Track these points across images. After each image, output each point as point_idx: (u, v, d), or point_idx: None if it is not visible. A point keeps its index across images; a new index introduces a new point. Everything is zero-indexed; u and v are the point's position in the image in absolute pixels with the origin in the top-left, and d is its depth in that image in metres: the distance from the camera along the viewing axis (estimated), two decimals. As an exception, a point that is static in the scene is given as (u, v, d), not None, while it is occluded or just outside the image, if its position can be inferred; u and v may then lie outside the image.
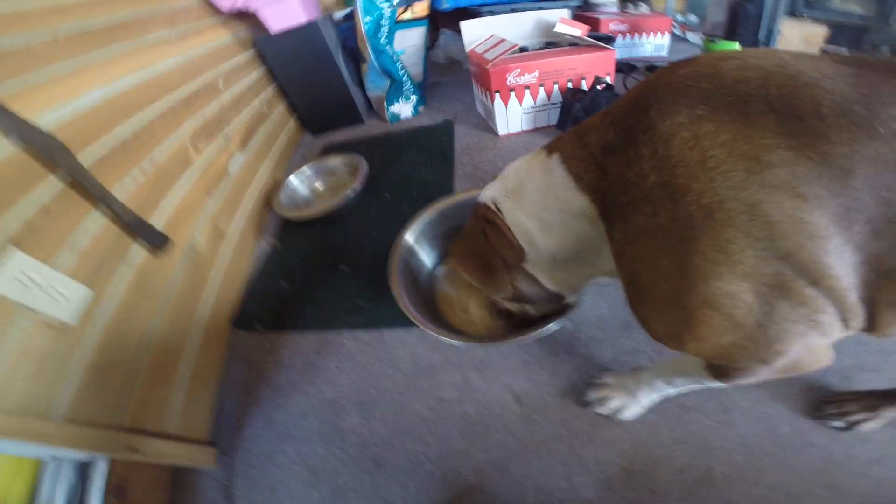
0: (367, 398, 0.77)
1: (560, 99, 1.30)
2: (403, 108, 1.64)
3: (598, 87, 1.21)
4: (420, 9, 1.49)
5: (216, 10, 1.32)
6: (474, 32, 1.43)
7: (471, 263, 0.60)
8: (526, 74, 1.23)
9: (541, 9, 1.49)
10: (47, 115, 0.66)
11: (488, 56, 1.23)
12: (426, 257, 0.91)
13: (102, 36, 0.85)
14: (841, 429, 0.58)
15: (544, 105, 1.33)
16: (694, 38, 2.09)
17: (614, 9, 1.99)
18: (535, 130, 1.40)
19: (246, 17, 1.42)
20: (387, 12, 1.41)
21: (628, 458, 0.62)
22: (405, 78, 1.55)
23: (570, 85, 1.29)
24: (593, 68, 1.27)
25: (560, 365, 0.75)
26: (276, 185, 1.29)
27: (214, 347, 0.87)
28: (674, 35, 2.05)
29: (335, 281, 0.98)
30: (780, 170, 0.30)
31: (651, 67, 1.67)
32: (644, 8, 2.05)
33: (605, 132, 0.43)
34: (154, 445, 0.63)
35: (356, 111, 1.64)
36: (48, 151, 0.62)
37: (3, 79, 0.62)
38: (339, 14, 1.62)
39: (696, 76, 0.36)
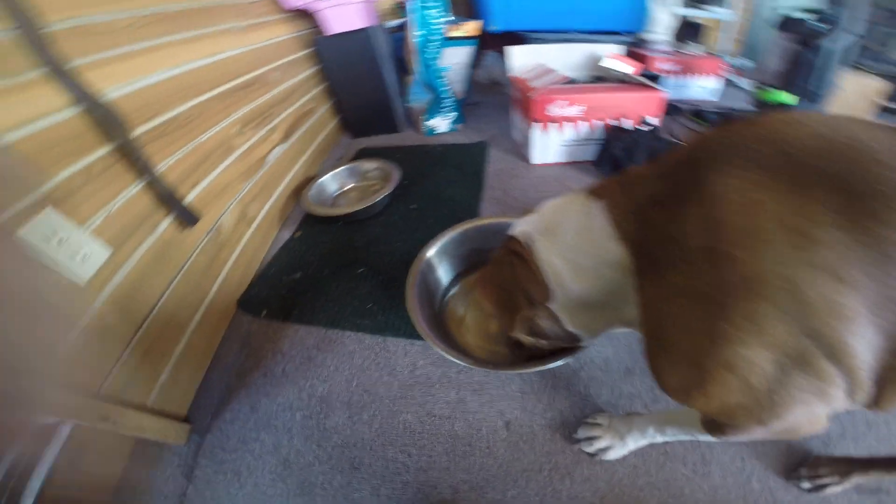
0: (358, 400, 0.77)
1: (601, 135, 1.30)
2: (440, 123, 1.68)
3: (643, 127, 1.21)
4: (471, 28, 1.52)
5: (280, 7, 1.39)
6: (520, 58, 1.45)
7: (493, 294, 0.61)
8: (571, 106, 1.23)
9: (592, 41, 1.51)
10: (115, 89, 0.71)
11: (534, 84, 1.25)
12: (443, 274, 0.91)
13: (179, 20, 0.91)
14: (808, 490, 0.59)
15: (584, 139, 1.33)
16: (745, 83, 2.05)
17: (666, 46, 1.97)
18: (570, 164, 1.39)
19: (307, 17, 1.48)
20: (439, 28, 1.46)
21: (601, 497, 0.62)
22: (447, 94, 1.58)
23: (612, 123, 1.28)
24: (640, 108, 1.26)
25: (556, 399, 0.74)
26: (309, 179, 1.34)
27: (215, 325, 0.89)
28: (725, 79, 2.02)
29: (350, 281, 0.99)
30: (827, 250, 0.30)
31: (697, 112, 1.65)
32: (696, 48, 2.02)
33: (654, 184, 0.43)
34: (128, 416, 0.61)
35: (394, 119, 1.69)
36: (106, 123, 0.67)
37: (83, 51, 0.67)
38: (392, 23, 1.67)
39: (756, 138, 0.36)
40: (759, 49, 2.19)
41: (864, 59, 1.64)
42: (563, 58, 1.46)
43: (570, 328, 0.58)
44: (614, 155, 1.21)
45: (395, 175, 1.26)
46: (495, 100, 1.96)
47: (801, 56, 1.25)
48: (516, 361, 0.75)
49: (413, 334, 0.85)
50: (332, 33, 1.46)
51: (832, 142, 0.33)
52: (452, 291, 0.92)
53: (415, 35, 1.43)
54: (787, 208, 0.32)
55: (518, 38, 1.59)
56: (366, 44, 1.46)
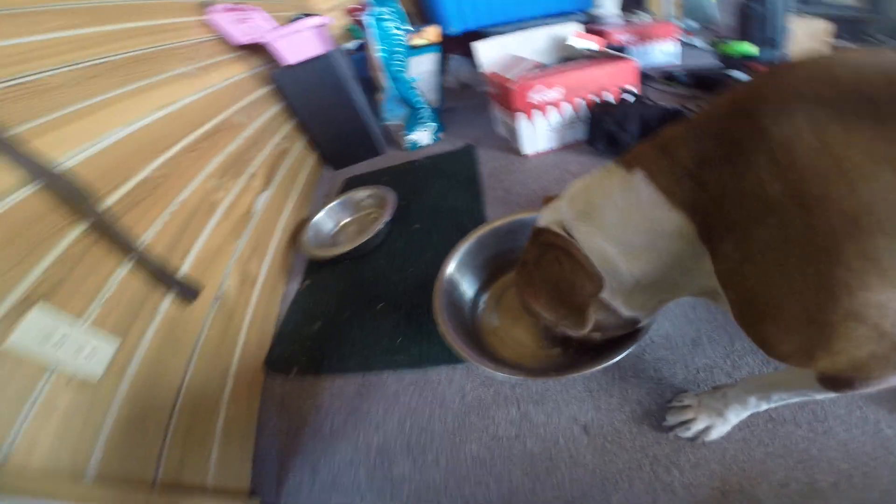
0: (417, 442, 0.70)
1: (586, 113, 1.28)
2: (422, 136, 1.64)
3: (627, 98, 1.18)
4: (431, 34, 1.50)
5: (228, 45, 1.32)
6: (489, 53, 1.43)
7: (547, 298, 0.55)
8: (549, 91, 1.21)
9: (548, 24, 1.49)
10: (69, 157, 0.63)
11: (508, 75, 1.22)
12: (468, 287, 0.86)
13: (122, 71, 0.84)
14: None
15: (570, 121, 1.30)
16: (699, 42, 2.08)
17: (617, 20, 2.00)
18: (564, 148, 1.36)
19: (261, 51, 1.43)
20: (400, 39, 1.43)
21: (720, 479, 0.56)
22: (423, 104, 1.55)
23: (596, 99, 1.26)
24: (617, 80, 1.24)
25: (629, 390, 0.68)
26: (302, 222, 1.28)
27: (248, 393, 0.82)
28: (680, 42, 2.04)
29: (371, 319, 0.93)
30: None
31: (668, 76, 1.64)
32: (645, 16, 2.05)
33: (699, 143, 0.40)
34: (193, 501, 0.59)
35: (374, 142, 1.65)
36: (71, 198, 0.60)
37: (23, 116, 0.59)
38: (349, 46, 1.64)
39: (809, 80, 0.34)
40: (699, 9, 2.23)
41: (802, 3, 1.70)
42: (529, 45, 1.45)
43: (626, 313, 0.54)
44: (607, 129, 1.18)
45: (391, 198, 1.20)
46: (470, 102, 1.94)
47: (750, 7, 1.26)
48: (568, 360, 0.70)
49: (451, 359, 0.79)
50: (288, 64, 1.41)
51: (887, 71, 0.31)
52: (482, 304, 0.86)
53: (377, 50, 1.39)
54: (872, 139, 0.30)
55: (477, 36, 1.58)
56: (327, 70, 1.42)
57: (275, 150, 1.35)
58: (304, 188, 1.49)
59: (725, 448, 0.59)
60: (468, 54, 1.98)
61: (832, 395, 0.44)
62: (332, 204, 1.30)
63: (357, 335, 0.91)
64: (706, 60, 1.77)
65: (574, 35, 1.30)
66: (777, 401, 0.53)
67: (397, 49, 1.43)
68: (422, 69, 1.57)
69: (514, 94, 1.19)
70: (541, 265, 0.55)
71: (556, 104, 1.24)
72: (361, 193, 1.32)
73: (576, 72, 1.21)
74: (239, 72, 1.34)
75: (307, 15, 1.49)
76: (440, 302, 0.76)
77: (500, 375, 0.64)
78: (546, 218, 0.55)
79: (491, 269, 0.89)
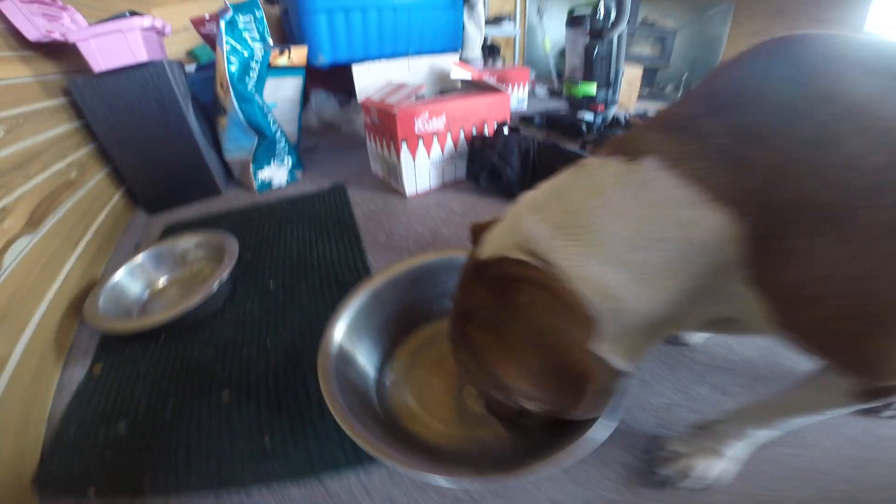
0: None
1: (466, 149, 1.22)
2: (276, 174, 1.36)
3: (504, 132, 1.16)
4: (297, 55, 1.30)
5: (22, 40, 0.96)
6: (366, 79, 1.30)
7: (528, 366, 0.36)
8: (434, 119, 1.12)
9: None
10: None
11: (390, 101, 1.09)
12: (367, 359, 0.63)
13: None
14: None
15: (451, 156, 1.22)
16: (540, 89, 2.38)
17: (480, 63, 2.16)
18: (445, 187, 1.27)
19: (65, 56, 1.08)
20: (258, 54, 1.18)
21: None
22: (279, 135, 1.29)
23: (475, 133, 1.21)
24: (493, 112, 1.24)
25: (602, 452, 0.53)
26: (94, 283, 0.87)
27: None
28: (529, 87, 2.28)
29: (214, 413, 0.61)
30: None
31: (525, 118, 1.82)
32: (500, 63, 2.25)
33: (733, 116, 0.30)
34: None
35: (211, 180, 1.30)
36: None
37: None
38: (189, 68, 1.33)
39: (844, 45, 0.30)
40: (538, 60, 2.55)
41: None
42: (409, 74, 1.36)
43: (618, 364, 0.37)
44: (490, 163, 1.13)
45: (230, 248, 0.89)
46: (335, 142, 1.74)
47: (595, 48, 1.43)
48: (520, 438, 0.53)
49: (361, 458, 0.54)
50: (100, 71, 1.04)
51: None
52: (388, 379, 0.64)
53: (228, 63, 1.12)
54: None
55: (346, 70, 1.44)
56: (155, 84, 1.08)
57: (53, 181, 0.92)
58: (100, 236, 1.05)
59: (730, 486, 0.50)
60: (336, 89, 1.84)
61: (858, 407, 0.37)
62: (140, 258, 0.92)
63: (194, 438, 0.58)
64: (551, 105, 1.96)
65: (455, 64, 1.27)
66: (782, 428, 0.45)
67: (252, 65, 1.17)
68: (281, 95, 1.33)
69: (399, 122, 1.06)
70: (503, 315, 0.37)
71: (440, 135, 1.16)
72: (186, 242, 0.97)
73: (460, 100, 1.16)
74: (20, 75, 0.94)
75: (134, 13, 1.13)
76: (327, 384, 0.51)
77: (445, 481, 0.42)
78: (495, 244, 0.39)
79: (393, 331, 0.68)
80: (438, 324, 0.71)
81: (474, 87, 1.28)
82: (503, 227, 0.40)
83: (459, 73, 1.26)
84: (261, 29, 1.20)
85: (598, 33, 1.38)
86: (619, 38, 1.41)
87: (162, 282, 0.93)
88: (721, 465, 0.49)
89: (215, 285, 0.77)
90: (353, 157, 1.53)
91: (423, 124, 1.10)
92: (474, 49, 2.04)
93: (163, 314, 0.73)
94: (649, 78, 2.41)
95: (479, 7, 1.88)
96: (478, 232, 0.50)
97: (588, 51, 1.43)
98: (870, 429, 0.54)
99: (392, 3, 1.50)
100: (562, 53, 2.74)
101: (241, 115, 1.17)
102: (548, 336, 0.34)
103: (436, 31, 1.67)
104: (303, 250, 1.01)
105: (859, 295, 0.27)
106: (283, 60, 1.27)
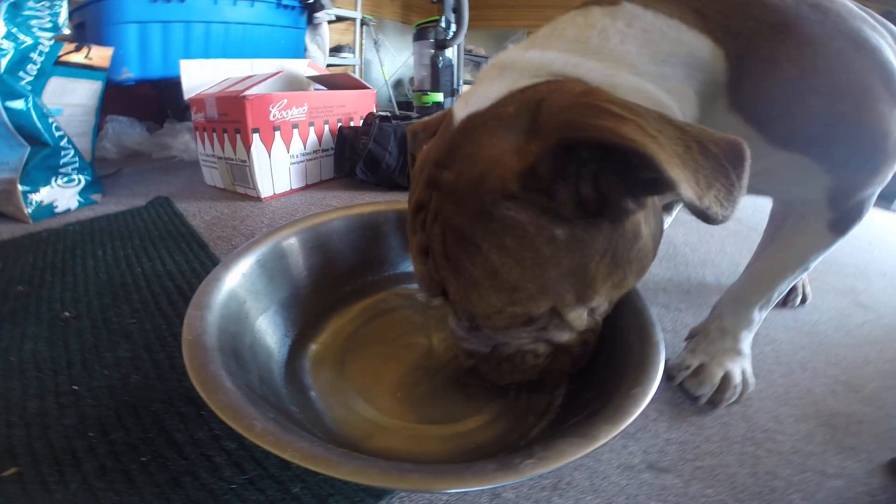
0: None
1: (333, 146, 1.08)
2: (61, 196, 0.97)
3: (375, 121, 1.07)
4: (99, 56, 0.99)
5: None
6: (197, 78, 1.07)
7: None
8: (294, 108, 0.95)
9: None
10: None
11: (236, 89, 0.90)
12: (274, 338, 0.42)
13: None
14: None
15: (316, 152, 1.06)
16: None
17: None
18: (308, 188, 1.09)
19: None
20: (45, 44, 0.87)
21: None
22: (65, 144, 0.94)
23: (342, 126, 1.09)
24: (360, 106, 1.15)
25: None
26: None
27: None
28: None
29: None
30: None
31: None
32: None
33: None
34: None
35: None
36: None
37: None
38: None
39: None
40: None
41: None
42: (249, 73, 1.17)
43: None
44: (367, 150, 1.01)
45: None
46: (146, 166, 1.37)
47: (440, 58, 1.50)
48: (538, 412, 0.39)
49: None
50: None
51: None
52: (313, 380, 0.42)
53: None
54: None
55: (164, 84, 1.19)
56: None
57: None
58: None
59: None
60: (142, 116, 1.53)
61: (836, 244, 0.40)
62: None
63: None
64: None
65: (308, 65, 1.16)
66: (777, 298, 0.45)
67: (34, 57, 0.86)
68: (71, 100, 0.98)
69: (249, 107, 0.87)
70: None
71: (301, 126, 0.99)
72: None
73: (321, 92, 1.04)
74: None
75: None
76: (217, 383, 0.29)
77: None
78: (488, 94, 0.29)
79: (306, 310, 0.48)
80: (377, 298, 0.55)
81: (337, 86, 1.18)
82: (486, 79, 0.31)
83: (314, 72, 1.15)
84: (55, 15, 0.89)
85: (443, 43, 1.46)
86: (459, 49, 1.51)
87: None
88: (746, 363, 0.46)
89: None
90: (177, 176, 1.22)
91: (279, 111, 0.93)
92: (319, 59, 1.95)
93: None
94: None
95: (324, 28, 1.82)
96: (418, 130, 0.41)
97: (434, 61, 1.49)
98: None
99: (223, 17, 1.32)
100: (397, 84, 2.89)
101: (4, 116, 0.81)
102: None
103: (274, 49, 1.54)
104: (114, 270, 0.70)
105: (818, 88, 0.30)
106: (78, 57, 0.95)
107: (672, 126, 0.22)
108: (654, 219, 0.32)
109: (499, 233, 0.26)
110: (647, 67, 0.30)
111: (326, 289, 0.51)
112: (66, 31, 0.96)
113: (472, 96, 0.30)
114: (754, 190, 0.42)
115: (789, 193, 0.41)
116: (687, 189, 0.19)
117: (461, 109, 0.30)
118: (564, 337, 0.34)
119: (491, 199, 0.26)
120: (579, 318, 0.32)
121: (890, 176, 0.35)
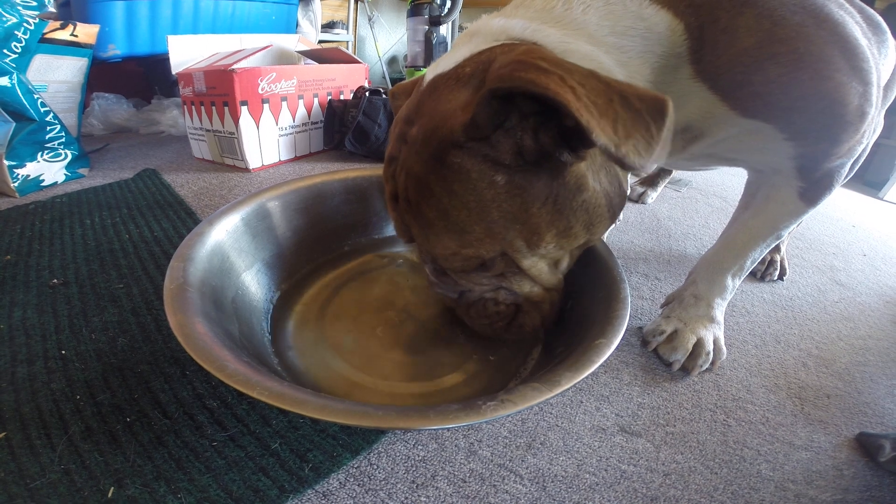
0: None
1: (322, 119, 1.07)
2: (48, 170, 0.96)
3: (366, 94, 1.06)
4: (85, 33, 0.97)
5: None
6: (185, 53, 1.05)
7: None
8: (284, 81, 0.94)
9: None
10: None
11: (225, 62, 0.89)
12: (258, 296, 0.43)
13: None
14: None
15: (304, 125, 1.05)
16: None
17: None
18: (297, 160, 1.08)
19: None
20: (30, 22, 0.86)
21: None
22: (51, 119, 0.93)
23: (332, 100, 1.08)
24: (350, 80, 1.13)
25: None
26: None
27: None
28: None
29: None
30: None
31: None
32: None
33: None
34: None
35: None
36: None
37: None
38: None
39: None
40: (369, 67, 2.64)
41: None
42: (238, 48, 1.15)
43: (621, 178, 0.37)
44: (356, 122, 1.01)
45: None
46: (134, 141, 1.35)
47: (434, 35, 1.50)
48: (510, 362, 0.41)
49: (300, 479, 0.34)
50: None
51: None
52: (293, 339, 0.44)
53: None
54: None
55: (151, 61, 1.16)
56: None
57: None
58: None
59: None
60: (129, 93, 1.50)
61: (807, 213, 0.41)
62: None
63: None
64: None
65: (299, 41, 1.13)
66: (750, 266, 0.45)
67: (18, 35, 0.85)
68: (56, 77, 0.97)
69: (238, 80, 0.86)
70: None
71: (290, 99, 0.98)
72: None
73: (311, 66, 1.02)
74: None
75: None
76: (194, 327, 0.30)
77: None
78: (455, 56, 0.32)
79: (289, 268, 0.50)
80: (361, 260, 0.56)
81: (328, 61, 1.16)
82: (458, 44, 0.34)
83: (302, 48, 1.13)
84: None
85: (437, 20, 1.44)
86: (453, 25, 1.49)
87: None
88: (718, 331, 0.47)
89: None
90: (164, 150, 1.20)
91: (268, 84, 0.91)
92: (310, 34, 1.92)
93: None
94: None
95: (316, 3, 1.78)
96: (398, 92, 0.43)
97: (427, 37, 1.47)
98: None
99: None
100: (392, 61, 2.84)
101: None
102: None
103: (265, 25, 1.50)
104: (102, 237, 0.71)
105: (776, 57, 0.30)
106: (64, 34, 0.94)
107: (598, 81, 0.23)
108: (606, 177, 0.33)
109: (448, 178, 0.29)
110: (607, 38, 0.31)
111: (311, 250, 0.52)
112: (52, 9, 0.95)
113: (442, 60, 0.33)
114: (726, 159, 0.43)
115: (758, 162, 0.42)
116: (601, 135, 0.21)
117: (431, 72, 0.33)
118: (525, 288, 0.36)
119: (442, 149, 0.28)
120: (535, 266, 0.34)
121: (857, 148, 0.36)
